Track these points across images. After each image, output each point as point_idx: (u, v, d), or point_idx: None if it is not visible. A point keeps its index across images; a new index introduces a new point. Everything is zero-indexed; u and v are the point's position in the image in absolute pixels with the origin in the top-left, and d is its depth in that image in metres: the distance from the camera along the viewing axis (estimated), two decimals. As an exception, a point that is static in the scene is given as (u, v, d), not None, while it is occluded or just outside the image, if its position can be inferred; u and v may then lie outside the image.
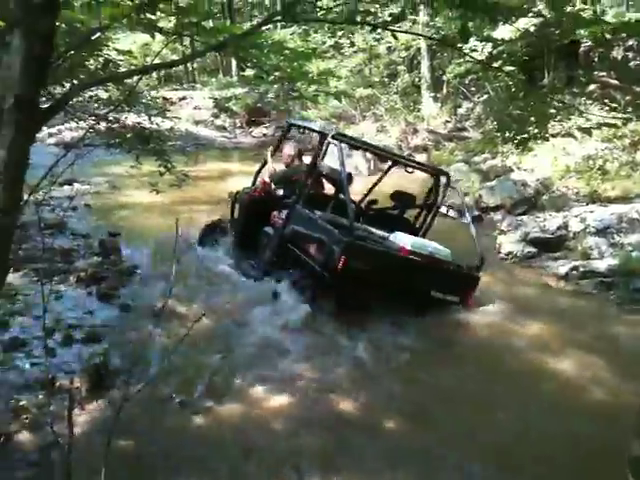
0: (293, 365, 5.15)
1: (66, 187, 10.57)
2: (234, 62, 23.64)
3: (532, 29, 11.66)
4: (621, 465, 2.87)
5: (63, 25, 3.90)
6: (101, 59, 6.70)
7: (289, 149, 7.79)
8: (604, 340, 6.28)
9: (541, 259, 8.69)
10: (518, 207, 11.10)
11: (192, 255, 7.16)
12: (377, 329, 5.98)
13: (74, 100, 6.27)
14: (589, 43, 13.90)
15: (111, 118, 6.52)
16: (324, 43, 22.31)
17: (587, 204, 10.08)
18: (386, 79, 20.37)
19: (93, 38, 3.64)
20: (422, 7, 17.20)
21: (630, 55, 14.86)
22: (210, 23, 3.49)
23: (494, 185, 11.88)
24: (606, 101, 12.76)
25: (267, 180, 7.42)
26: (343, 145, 6.57)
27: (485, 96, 17.26)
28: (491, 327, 6.33)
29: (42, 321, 3.79)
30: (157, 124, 6.91)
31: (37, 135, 3.00)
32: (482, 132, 16.18)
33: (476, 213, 11.41)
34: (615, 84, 13.35)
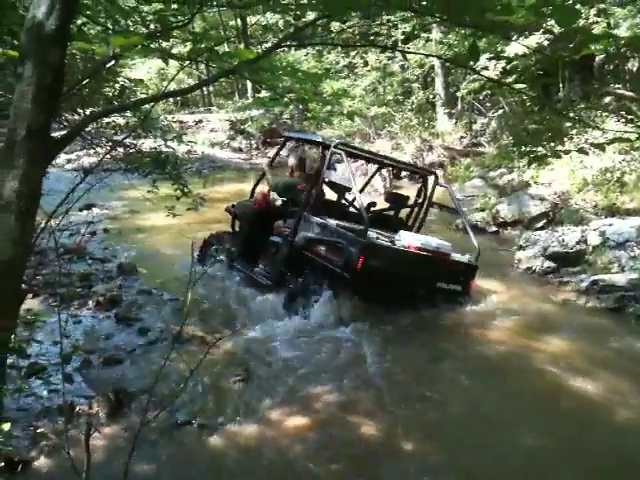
0: (310, 386, 5.13)
1: (84, 212, 10.69)
2: (249, 84, 23.86)
3: (545, 43, 11.69)
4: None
5: (77, 55, 3.97)
6: (117, 86, 6.81)
7: (292, 160, 8.01)
8: (626, 355, 6.19)
9: (560, 274, 8.59)
10: (536, 222, 11.03)
11: (207, 276, 7.18)
12: (396, 345, 5.97)
13: (91, 127, 6.35)
14: (603, 56, 13.83)
15: (128, 143, 6.60)
16: (338, 63, 22.44)
17: (605, 217, 9.97)
18: (400, 97, 20.40)
19: (107, 66, 3.69)
20: (434, 25, 17.26)
21: (645, 67, 14.78)
22: (225, 47, 3.51)
23: (511, 200, 11.81)
24: (622, 113, 12.65)
25: (265, 192, 7.69)
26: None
27: (500, 111, 17.22)
28: (512, 343, 6.27)
29: (60, 346, 3.81)
30: (173, 148, 6.97)
31: (56, 161, 3.03)
32: (498, 147, 16.11)
33: (494, 229, 11.34)
34: (631, 96, 13.25)
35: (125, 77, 6.59)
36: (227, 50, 3.35)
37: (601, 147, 3.16)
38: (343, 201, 8.10)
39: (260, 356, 5.66)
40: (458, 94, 18.44)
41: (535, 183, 12.40)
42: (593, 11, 12.28)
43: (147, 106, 4.87)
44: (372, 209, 7.92)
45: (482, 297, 7.45)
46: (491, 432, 4.64)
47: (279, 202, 7.59)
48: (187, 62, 3.95)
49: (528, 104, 15.82)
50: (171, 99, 24.72)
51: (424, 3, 2.79)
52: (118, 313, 6.43)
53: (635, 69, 14.63)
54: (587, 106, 14.48)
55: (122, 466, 2.55)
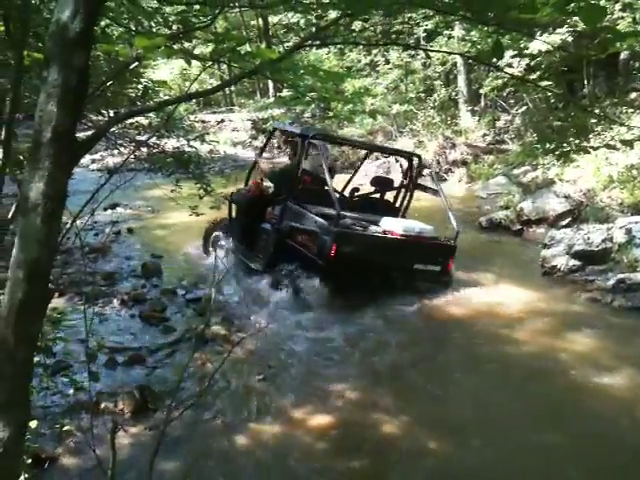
0: (333, 384, 5.14)
1: (109, 211, 10.80)
2: (271, 84, 23.89)
3: (569, 40, 11.56)
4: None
5: (101, 56, 4.01)
6: (140, 86, 6.87)
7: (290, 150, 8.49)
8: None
9: (586, 272, 8.46)
10: (561, 220, 10.88)
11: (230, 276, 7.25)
12: (419, 343, 5.97)
13: (115, 128, 6.41)
14: (629, 52, 13.62)
15: (151, 143, 6.66)
16: (359, 61, 22.37)
17: (632, 215, 9.81)
18: (422, 94, 20.27)
19: (131, 68, 3.72)
20: (457, 22, 17.12)
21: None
22: (247, 47, 3.53)
23: (535, 198, 11.67)
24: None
25: (259, 180, 8.08)
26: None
27: (524, 108, 17.00)
28: (536, 342, 6.21)
29: (86, 345, 3.86)
30: (196, 148, 7.03)
31: (80, 161, 3.06)
32: (521, 144, 15.93)
33: (518, 227, 11.23)
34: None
35: (148, 78, 6.65)
36: (249, 50, 3.35)
37: (629, 144, 3.11)
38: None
39: (281, 353, 5.70)
40: (481, 91, 18.27)
41: (560, 180, 12.23)
42: (618, 6, 12.10)
43: (170, 107, 4.90)
44: (357, 194, 8.35)
45: (507, 296, 7.40)
46: (515, 431, 4.60)
47: (271, 189, 8.02)
48: (209, 62, 3.96)
49: (552, 101, 15.64)
50: (193, 99, 24.84)
51: (447, 0, 2.76)
52: (142, 312, 6.50)
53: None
54: (612, 102, 14.29)
55: (147, 464, 2.57)
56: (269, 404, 4.74)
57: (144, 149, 6.61)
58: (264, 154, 9.56)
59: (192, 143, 7.39)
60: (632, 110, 13.19)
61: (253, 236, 7.79)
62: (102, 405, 4.40)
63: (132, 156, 5.92)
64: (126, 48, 3.64)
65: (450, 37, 18.01)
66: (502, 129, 18.18)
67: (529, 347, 6.10)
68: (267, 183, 8.10)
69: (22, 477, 2.78)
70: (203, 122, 23.10)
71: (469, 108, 18.64)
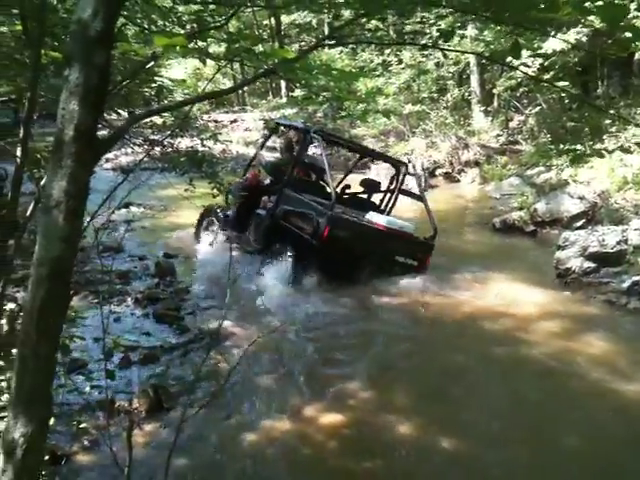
0: (346, 382, 5.13)
1: (123, 210, 10.83)
2: (283, 83, 23.91)
3: (584, 39, 11.48)
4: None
5: (117, 55, 4.03)
6: (154, 85, 6.90)
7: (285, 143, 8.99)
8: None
9: (601, 274, 8.39)
10: (575, 221, 10.81)
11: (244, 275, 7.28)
12: (432, 346, 5.95)
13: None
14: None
15: (165, 143, 6.69)
16: (372, 61, 22.33)
17: (647, 216, 9.73)
18: (435, 94, 20.21)
19: (147, 67, 3.74)
20: (470, 22, 17.06)
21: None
22: (260, 47, 3.54)
23: (549, 199, 11.61)
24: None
25: (256, 172, 8.73)
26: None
27: (537, 108, 16.91)
28: (551, 344, 6.18)
29: (101, 343, 3.87)
30: (209, 147, 7.08)
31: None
32: (535, 145, 15.85)
33: (531, 228, 11.17)
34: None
35: (166, 77, 6.69)
36: (264, 50, 3.36)
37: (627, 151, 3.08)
38: (321, 181, 8.92)
39: (294, 351, 5.70)
40: (494, 91, 18.21)
41: (574, 181, 12.15)
42: (633, 5, 11.99)
43: (187, 107, 4.93)
44: (347, 191, 9.03)
45: (520, 297, 7.37)
46: (528, 432, 4.58)
47: (267, 181, 8.57)
48: (224, 62, 3.97)
49: (566, 101, 15.55)
50: (210, 99, 24.92)
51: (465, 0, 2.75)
52: (156, 311, 6.51)
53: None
54: (627, 103, 14.18)
55: (161, 461, 2.58)
56: (282, 402, 4.74)
57: (158, 148, 6.64)
58: (264, 149, 10.23)
59: (205, 142, 7.42)
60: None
61: (247, 221, 8.31)
62: (117, 404, 4.42)
63: (147, 156, 5.95)
64: (143, 47, 3.67)
65: (463, 37, 17.95)
66: (515, 129, 18.10)
67: (543, 349, 6.07)
68: (264, 174, 8.68)
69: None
70: (216, 122, 23.14)
71: (482, 108, 18.58)
